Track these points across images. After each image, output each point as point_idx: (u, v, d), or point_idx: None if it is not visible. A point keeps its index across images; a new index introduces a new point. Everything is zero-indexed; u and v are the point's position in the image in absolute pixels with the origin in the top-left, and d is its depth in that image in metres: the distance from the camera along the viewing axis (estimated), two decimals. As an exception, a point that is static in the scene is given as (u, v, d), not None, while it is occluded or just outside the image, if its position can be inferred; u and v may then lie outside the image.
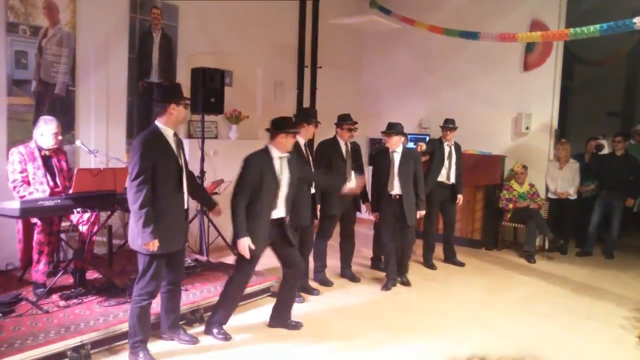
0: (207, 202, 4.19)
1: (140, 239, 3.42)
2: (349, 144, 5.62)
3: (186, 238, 3.93)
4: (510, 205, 7.22)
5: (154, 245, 3.43)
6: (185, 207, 3.78)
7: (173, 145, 3.61)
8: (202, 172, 5.96)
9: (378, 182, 5.72)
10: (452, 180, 6.51)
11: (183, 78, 6.40)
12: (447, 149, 6.51)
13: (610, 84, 10.81)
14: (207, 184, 5.91)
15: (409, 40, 8.79)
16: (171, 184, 3.57)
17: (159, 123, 3.59)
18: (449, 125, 6.52)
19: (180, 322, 4.13)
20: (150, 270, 3.54)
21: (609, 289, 5.82)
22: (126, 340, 3.72)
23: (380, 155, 5.80)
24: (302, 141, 4.99)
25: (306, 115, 5.20)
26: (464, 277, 6.15)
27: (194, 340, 4.00)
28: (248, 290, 4.90)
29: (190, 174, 3.88)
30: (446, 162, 6.50)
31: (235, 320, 4.39)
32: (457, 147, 6.65)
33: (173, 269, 3.80)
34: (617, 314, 5.04)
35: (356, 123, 5.66)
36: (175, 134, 3.67)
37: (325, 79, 8.48)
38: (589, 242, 7.39)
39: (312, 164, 5.13)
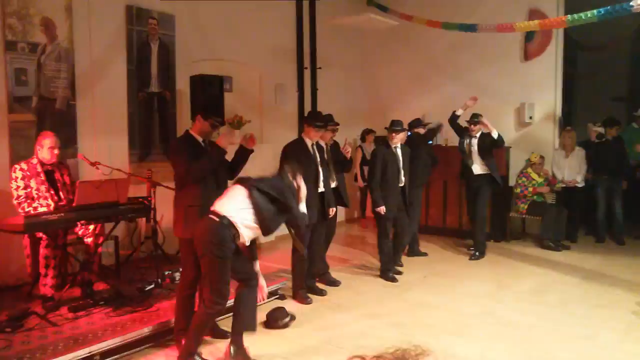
0: None
1: None
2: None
3: None
4: (530, 189, 7.17)
5: None
6: None
7: (205, 148, 3.96)
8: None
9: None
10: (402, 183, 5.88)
11: (183, 87, 6.45)
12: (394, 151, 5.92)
13: (615, 69, 10.68)
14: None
15: (408, 37, 8.78)
16: (210, 183, 3.89)
17: (191, 130, 3.99)
18: (395, 127, 5.83)
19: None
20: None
21: (620, 275, 5.76)
22: (135, 350, 3.81)
23: None
24: (309, 142, 5.14)
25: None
26: (473, 271, 6.12)
27: None
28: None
29: None
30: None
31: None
32: (403, 148, 5.97)
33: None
34: (629, 299, 4.99)
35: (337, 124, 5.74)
36: (204, 141, 3.98)
37: (326, 79, 8.49)
38: (600, 229, 7.36)
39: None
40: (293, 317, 4.50)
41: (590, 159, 7.39)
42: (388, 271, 5.84)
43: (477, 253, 6.63)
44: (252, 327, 3.86)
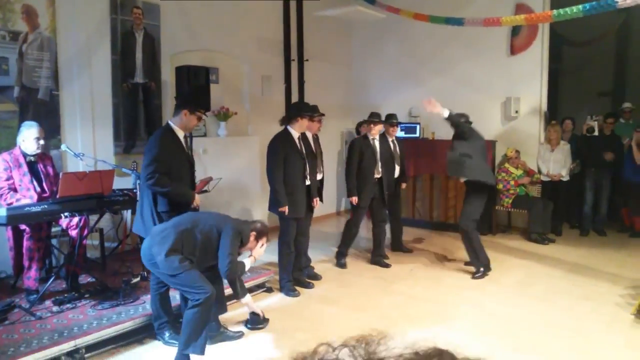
0: None
1: None
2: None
3: None
4: (512, 182, 7.23)
5: None
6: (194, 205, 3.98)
7: (184, 144, 3.91)
8: (192, 171, 5.93)
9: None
10: (379, 174, 5.93)
11: (168, 77, 6.37)
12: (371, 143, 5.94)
13: (600, 63, 10.77)
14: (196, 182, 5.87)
15: (396, 30, 8.76)
16: (184, 180, 3.85)
17: (171, 122, 3.89)
18: (373, 119, 5.91)
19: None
20: None
21: (604, 268, 5.83)
22: (120, 343, 3.77)
23: None
24: (295, 134, 5.07)
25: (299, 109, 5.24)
26: (459, 264, 6.15)
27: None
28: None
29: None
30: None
31: (233, 315, 4.39)
32: (383, 141, 6.08)
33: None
34: (613, 292, 5.05)
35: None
36: (185, 135, 3.96)
37: (313, 71, 8.45)
38: (585, 221, 7.45)
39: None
40: (266, 320, 4.37)
41: (579, 151, 7.46)
42: (340, 255, 5.98)
43: (481, 269, 5.62)
44: (223, 310, 4.03)
